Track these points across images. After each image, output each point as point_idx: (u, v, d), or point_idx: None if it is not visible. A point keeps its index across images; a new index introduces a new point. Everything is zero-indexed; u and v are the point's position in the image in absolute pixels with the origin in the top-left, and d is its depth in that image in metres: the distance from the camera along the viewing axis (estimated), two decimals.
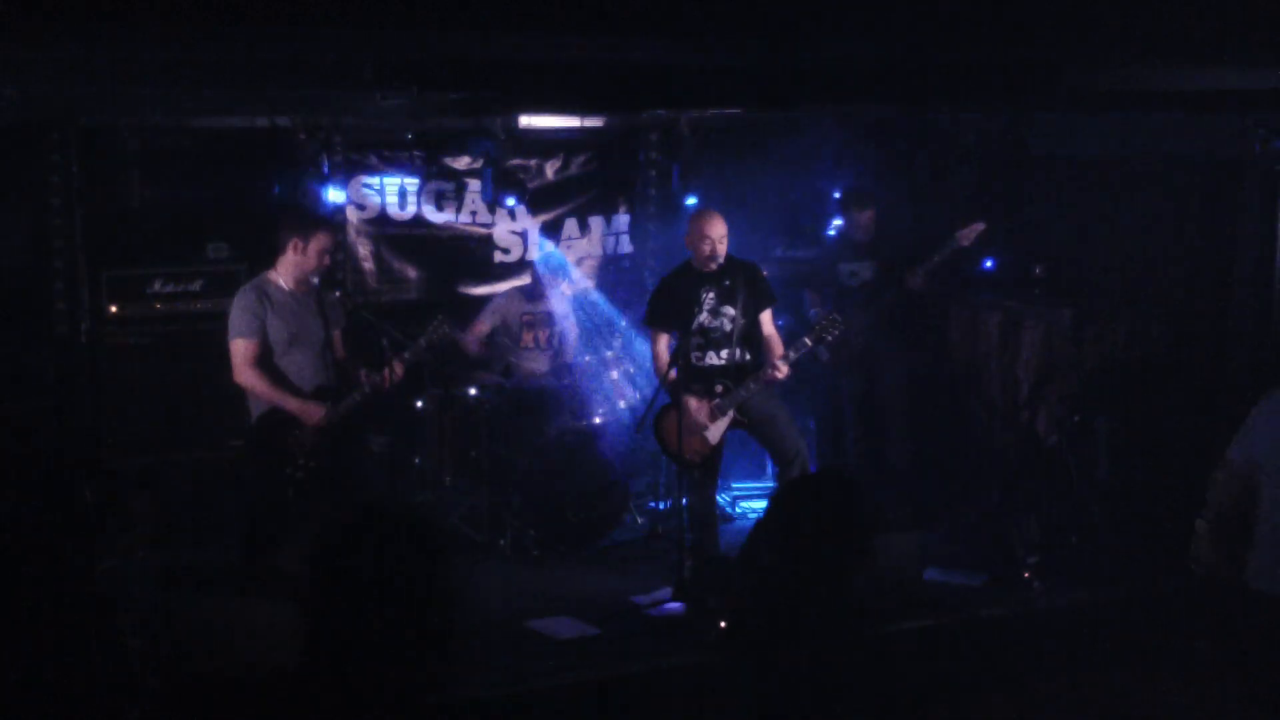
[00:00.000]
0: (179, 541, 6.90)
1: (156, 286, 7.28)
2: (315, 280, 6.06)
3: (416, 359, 6.29)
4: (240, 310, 5.89)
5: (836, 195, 8.33)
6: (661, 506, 7.74)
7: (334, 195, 7.68)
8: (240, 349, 5.88)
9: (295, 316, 5.96)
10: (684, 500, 6.53)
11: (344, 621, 2.30)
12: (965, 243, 7.46)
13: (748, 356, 6.67)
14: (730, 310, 6.61)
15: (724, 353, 6.63)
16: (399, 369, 6.04)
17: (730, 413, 6.57)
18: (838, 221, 8.19)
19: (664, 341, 6.70)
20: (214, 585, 5.04)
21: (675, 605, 6.14)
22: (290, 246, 5.92)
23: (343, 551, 2.33)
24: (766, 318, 6.76)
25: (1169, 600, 6.10)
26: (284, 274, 5.96)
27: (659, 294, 6.83)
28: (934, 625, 5.98)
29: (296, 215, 6.17)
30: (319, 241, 5.93)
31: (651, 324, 6.80)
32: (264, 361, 5.90)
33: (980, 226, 7.42)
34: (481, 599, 6.36)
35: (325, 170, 7.68)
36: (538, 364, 7.87)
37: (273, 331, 5.91)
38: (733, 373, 6.62)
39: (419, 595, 2.31)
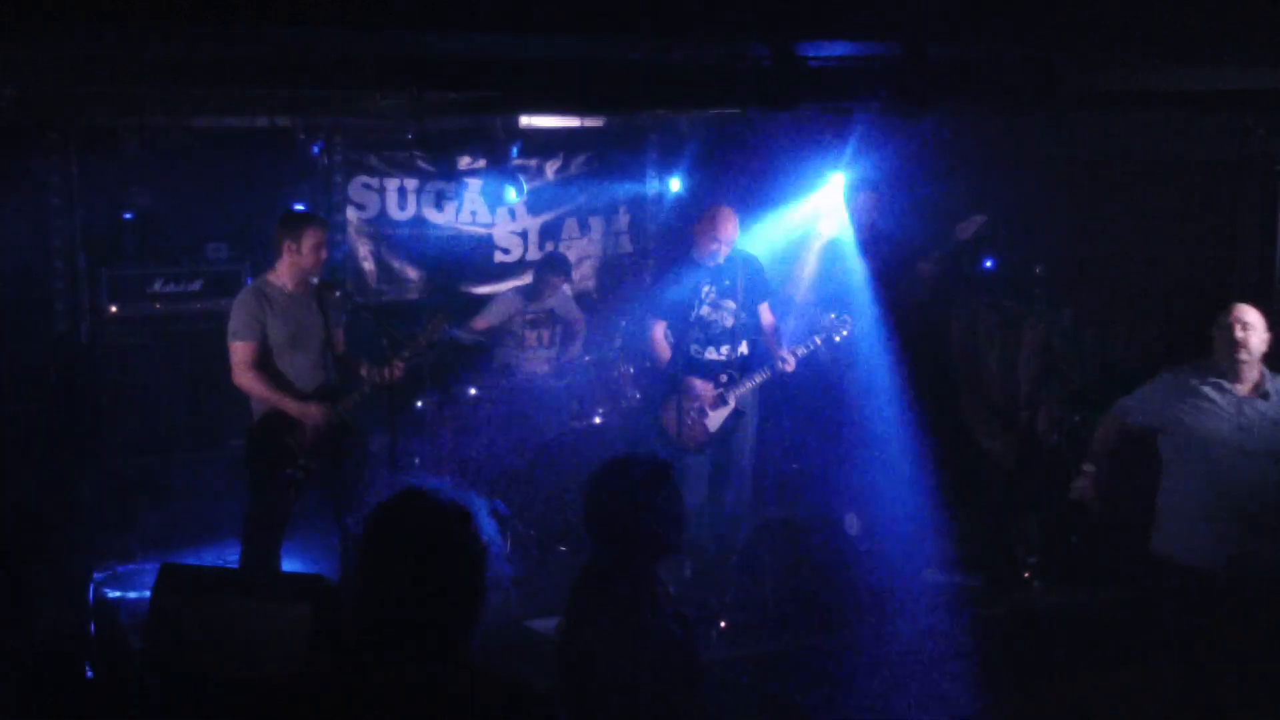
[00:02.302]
0: (179, 541, 6.90)
1: (156, 286, 7.27)
2: (314, 280, 6.06)
3: (416, 357, 6.27)
4: (239, 312, 5.90)
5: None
6: None
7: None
8: (239, 351, 5.89)
9: (295, 316, 5.97)
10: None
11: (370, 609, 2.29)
12: (965, 235, 7.43)
13: (747, 350, 6.69)
14: (731, 304, 6.62)
15: (724, 348, 6.64)
16: (399, 369, 6.04)
17: (731, 402, 6.58)
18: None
19: (661, 330, 6.71)
20: (214, 585, 5.04)
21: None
22: (285, 248, 5.94)
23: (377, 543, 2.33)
24: (765, 309, 6.79)
25: (1168, 600, 6.11)
26: (283, 275, 5.98)
27: (658, 284, 6.83)
28: (934, 625, 5.99)
29: (286, 216, 6.18)
30: (311, 238, 5.95)
31: (651, 314, 6.81)
32: (263, 363, 5.91)
33: (980, 219, 7.40)
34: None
35: (324, 170, 7.70)
36: (540, 364, 7.86)
37: (273, 332, 5.92)
38: (734, 367, 6.64)
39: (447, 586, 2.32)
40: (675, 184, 8.38)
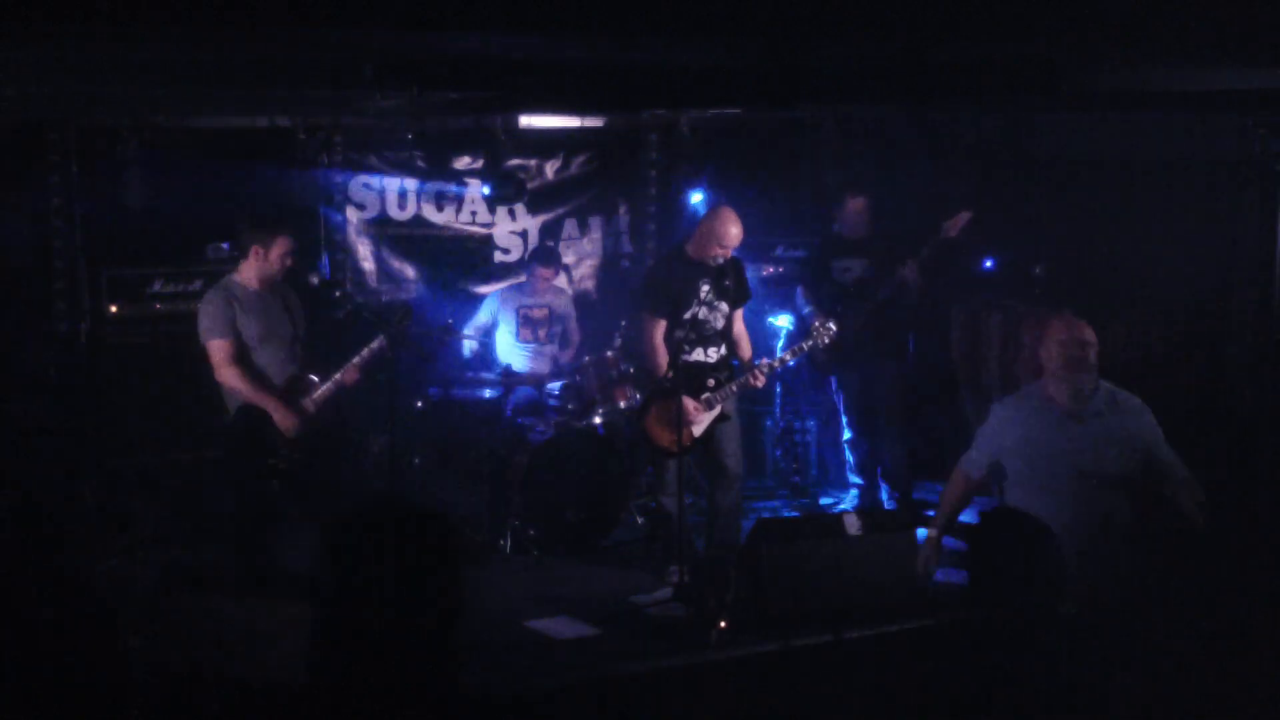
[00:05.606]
0: (179, 541, 6.90)
1: (156, 286, 7.28)
2: (315, 280, 6.08)
3: (379, 356, 6.13)
4: (209, 313, 5.90)
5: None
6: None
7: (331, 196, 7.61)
8: (218, 349, 5.89)
9: (263, 315, 5.98)
10: (663, 502, 6.62)
11: (356, 622, 2.26)
12: (953, 233, 7.39)
13: (726, 352, 6.68)
14: (724, 306, 6.60)
15: (712, 350, 6.61)
16: (353, 373, 6.01)
17: (717, 408, 6.54)
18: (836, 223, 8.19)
19: (661, 330, 6.62)
20: (214, 585, 5.04)
21: (675, 605, 6.15)
22: (252, 252, 5.94)
23: (354, 550, 2.30)
24: (739, 314, 6.77)
25: (1168, 600, 6.11)
26: (248, 275, 5.98)
27: (655, 280, 6.73)
28: (934, 625, 5.98)
29: (258, 220, 6.14)
30: (280, 246, 5.95)
31: (653, 311, 6.63)
32: (243, 359, 5.91)
33: (966, 216, 7.37)
34: (481, 599, 6.36)
35: (324, 170, 7.70)
36: (539, 362, 7.85)
37: (244, 330, 5.92)
38: (721, 369, 6.62)
39: (430, 594, 2.28)
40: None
